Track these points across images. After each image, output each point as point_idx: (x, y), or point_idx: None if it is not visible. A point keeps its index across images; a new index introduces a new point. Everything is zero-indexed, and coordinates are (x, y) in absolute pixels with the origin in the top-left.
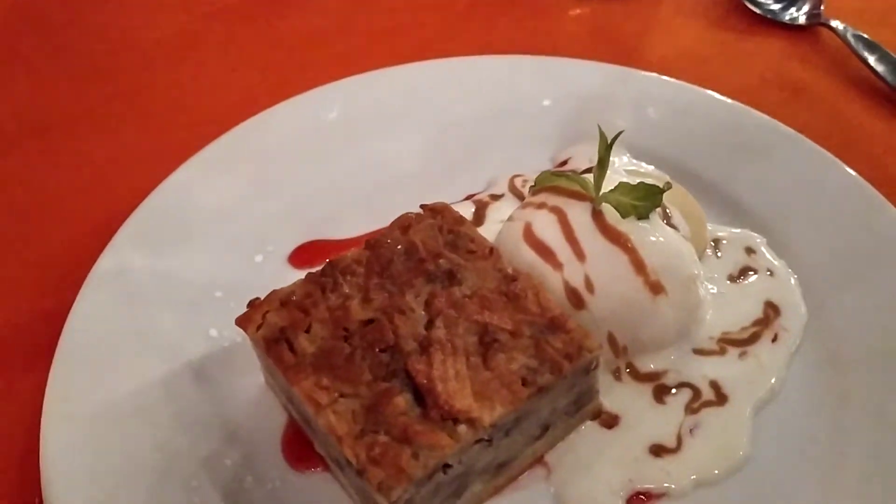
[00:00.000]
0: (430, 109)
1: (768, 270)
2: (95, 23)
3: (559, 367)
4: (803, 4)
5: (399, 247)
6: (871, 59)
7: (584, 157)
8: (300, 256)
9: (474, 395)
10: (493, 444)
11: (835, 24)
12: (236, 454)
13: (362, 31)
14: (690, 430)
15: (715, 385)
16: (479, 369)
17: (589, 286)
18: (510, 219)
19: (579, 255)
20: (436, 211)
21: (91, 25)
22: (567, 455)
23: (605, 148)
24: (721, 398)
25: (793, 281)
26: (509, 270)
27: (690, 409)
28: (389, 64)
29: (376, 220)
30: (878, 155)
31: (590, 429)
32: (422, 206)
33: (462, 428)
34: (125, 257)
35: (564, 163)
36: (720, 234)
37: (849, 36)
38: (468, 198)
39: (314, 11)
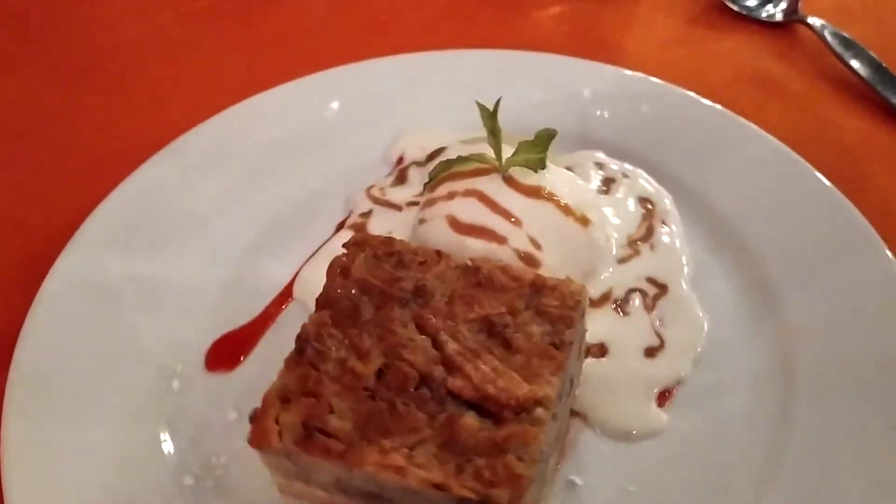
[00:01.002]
0: (408, 104)
1: (623, 174)
2: (75, 21)
3: (569, 319)
4: (780, 2)
5: (353, 291)
6: (848, 56)
7: (417, 146)
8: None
9: (524, 379)
10: (557, 414)
11: (812, 20)
12: (199, 455)
13: (343, 28)
14: (660, 323)
15: (651, 280)
16: (508, 357)
17: (536, 245)
18: (421, 222)
19: (515, 222)
20: (361, 244)
21: (71, 24)
22: (589, 397)
23: (491, 117)
24: (662, 288)
25: (643, 174)
26: (468, 263)
27: (648, 307)
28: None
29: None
30: (852, 150)
31: (590, 366)
32: (344, 246)
33: (538, 411)
34: (90, 250)
35: (401, 159)
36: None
37: (825, 33)
38: (339, 229)
39: (295, 9)
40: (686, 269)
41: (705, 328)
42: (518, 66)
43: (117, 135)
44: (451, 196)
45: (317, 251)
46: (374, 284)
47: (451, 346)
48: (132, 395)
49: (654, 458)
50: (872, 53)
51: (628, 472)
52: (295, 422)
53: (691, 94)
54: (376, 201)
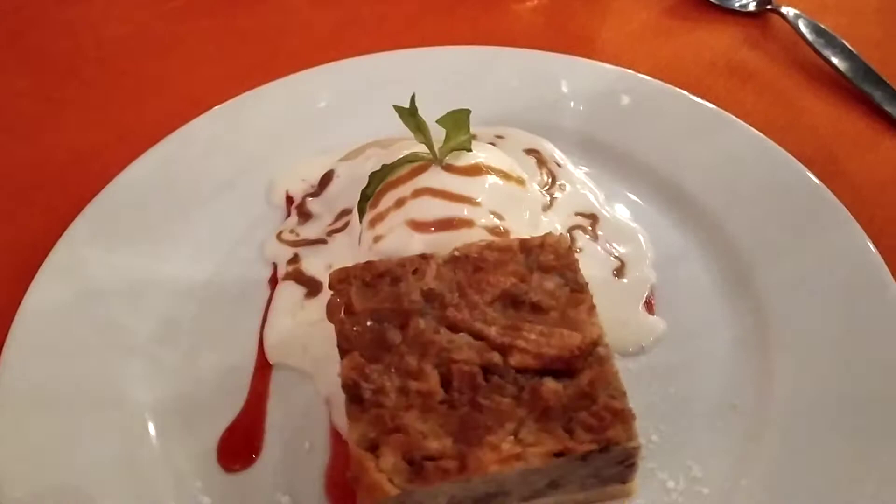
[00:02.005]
0: (389, 101)
1: (497, 136)
2: (58, 20)
3: (572, 264)
4: None
5: (368, 323)
6: (821, 46)
7: (297, 180)
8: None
9: (571, 329)
10: None
11: (785, 10)
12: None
13: (323, 24)
14: (609, 247)
15: (580, 214)
16: (544, 318)
17: (499, 216)
18: (378, 239)
19: (473, 202)
20: (344, 279)
21: (54, 22)
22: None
23: (412, 115)
24: (592, 217)
25: (516, 130)
26: (455, 254)
27: (594, 237)
28: (351, 56)
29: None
30: (824, 136)
31: None
32: (330, 287)
33: (599, 350)
34: (78, 250)
35: (290, 198)
36: None
37: (799, 22)
38: (273, 284)
39: (275, 6)
40: (597, 194)
41: (641, 238)
42: (494, 62)
43: (101, 133)
44: (400, 203)
45: (266, 312)
46: (385, 308)
47: (492, 331)
48: (121, 391)
49: (663, 361)
50: (845, 42)
51: (650, 384)
52: (396, 462)
53: (665, 84)
54: (295, 244)
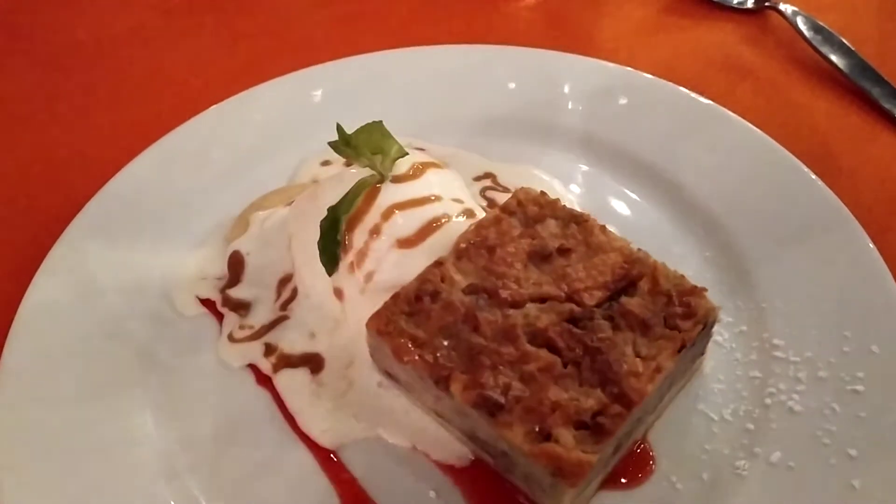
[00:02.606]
0: (389, 99)
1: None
2: (58, 17)
3: (555, 204)
4: None
5: (437, 354)
6: (819, 43)
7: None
8: None
9: (604, 252)
10: None
11: (783, 7)
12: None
13: (321, 22)
14: None
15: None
16: (575, 255)
17: (458, 200)
18: (370, 277)
19: (436, 199)
20: (387, 322)
21: (54, 20)
22: None
23: (346, 143)
24: (491, 176)
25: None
26: (461, 246)
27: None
28: (350, 54)
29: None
30: (822, 133)
31: None
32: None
33: (639, 253)
34: (79, 246)
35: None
36: None
37: (797, 19)
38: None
39: (273, 4)
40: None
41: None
42: (491, 60)
43: (100, 130)
44: (375, 231)
45: (284, 409)
46: (447, 322)
47: (549, 289)
48: (122, 385)
49: None
50: (843, 39)
51: None
52: (574, 434)
53: (664, 81)
54: (256, 336)
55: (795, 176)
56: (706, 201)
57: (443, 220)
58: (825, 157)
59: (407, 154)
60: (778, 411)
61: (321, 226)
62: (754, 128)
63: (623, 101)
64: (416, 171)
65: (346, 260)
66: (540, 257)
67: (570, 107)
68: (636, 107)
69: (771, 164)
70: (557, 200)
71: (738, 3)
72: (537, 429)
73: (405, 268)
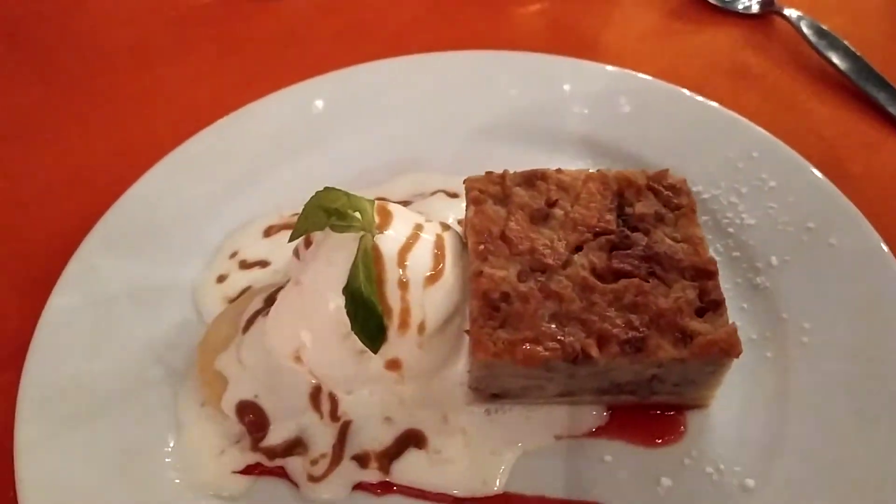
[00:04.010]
0: (396, 107)
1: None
2: (64, 29)
3: (551, 176)
4: None
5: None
6: (824, 47)
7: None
8: None
9: None
10: None
11: (788, 12)
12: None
13: (326, 30)
14: None
15: None
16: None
17: (445, 219)
18: (424, 328)
19: (420, 225)
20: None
21: (59, 32)
22: None
23: (326, 213)
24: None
25: None
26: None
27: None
28: (354, 62)
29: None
30: (829, 139)
31: None
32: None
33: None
34: (95, 259)
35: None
36: None
37: (802, 24)
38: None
39: (279, 13)
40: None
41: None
42: (498, 66)
43: (107, 142)
44: (403, 285)
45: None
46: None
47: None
48: (141, 397)
49: None
50: (848, 44)
51: None
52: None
53: (673, 86)
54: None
55: (809, 182)
56: (718, 207)
57: (442, 241)
58: (832, 163)
59: (363, 204)
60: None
61: (350, 311)
62: (765, 132)
63: (630, 106)
64: (384, 212)
65: (392, 326)
66: (541, 219)
67: (575, 112)
68: (644, 112)
69: (783, 169)
70: (505, 171)
71: (743, 8)
72: (678, 335)
73: (446, 299)
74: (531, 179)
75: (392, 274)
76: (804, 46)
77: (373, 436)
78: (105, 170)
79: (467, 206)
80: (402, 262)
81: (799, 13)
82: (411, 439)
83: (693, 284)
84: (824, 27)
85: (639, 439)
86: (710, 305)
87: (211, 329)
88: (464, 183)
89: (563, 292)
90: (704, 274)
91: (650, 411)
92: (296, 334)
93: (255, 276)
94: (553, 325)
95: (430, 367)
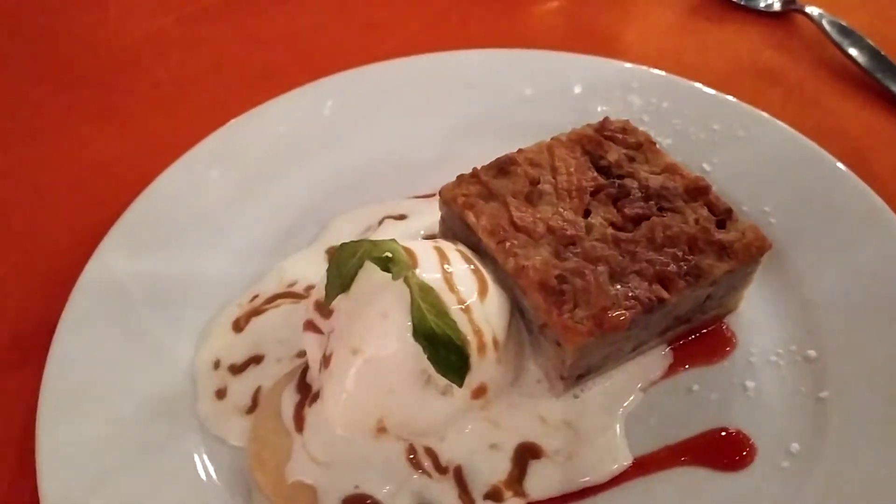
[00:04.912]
0: (412, 105)
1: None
2: (77, 28)
3: (517, 158)
4: None
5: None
6: (846, 45)
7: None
8: None
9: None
10: None
11: (810, 10)
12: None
13: (340, 29)
14: None
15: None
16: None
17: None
18: (498, 344)
19: (440, 248)
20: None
21: (73, 30)
22: None
23: (383, 263)
24: None
25: None
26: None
27: None
28: (369, 61)
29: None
30: (853, 138)
31: None
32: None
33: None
34: (113, 261)
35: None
36: None
37: (824, 22)
38: None
39: (291, 11)
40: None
41: None
42: (516, 64)
43: (122, 139)
44: (465, 308)
45: None
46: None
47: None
48: (161, 395)
49: None
50: (870, 42)
51: None
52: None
53: (696, 84)
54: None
55: (839, 181)
56: (747, 207)
57: (466, 253)
58: (858, 162)
59: (392, 246)
60: None
61: (431, 353)
62: (791, 129)
63: (653, 104)
64: (405, 248)
65: (472, 352)
66: (536, 199)
67: (595, 111)
68: (668, 110)
69: (815, 169)
70: (475, 169)
71: (765, 6)
72: (718, 250)
73: (502, 307)
74: (503, 167)
75: (450, 302)
76: (827, 44)
77: (490, 468)
78: (123, 167)
79: (442, 220)
80: (451, 286)
81: (821, 11)
82: (527, 453)
83: (698, 203)
84: (846, 24)
85: (707, 359)
86: (724, 214)
87: (255, 449)
88: (439, 193)
89: (604, 255)
90: (700, 191)
91: (698, 333)
92: (373, 403)
93: (257, 375)
94: (618, 286)
95: (509, 378)
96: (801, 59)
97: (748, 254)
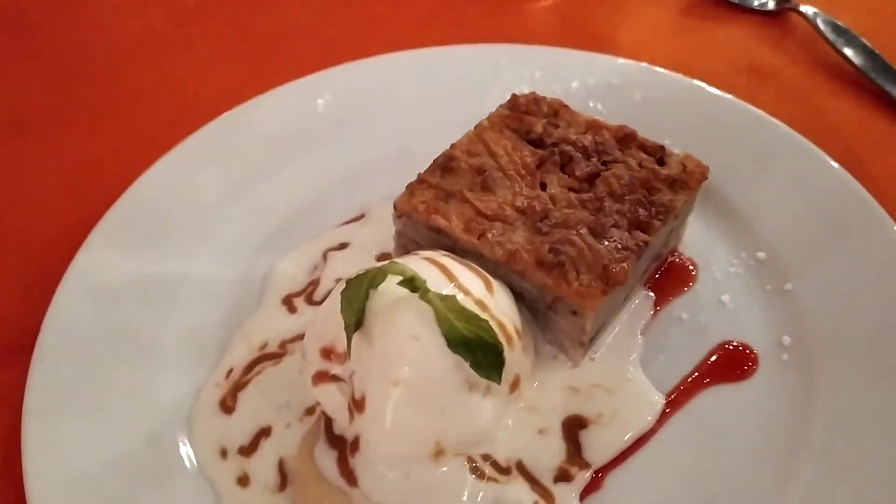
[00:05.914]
0: (407, 100)
1: None
2: (69, 22)
3: (455, 152)
4: None
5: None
6: (840, 44)
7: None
8: None
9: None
10: None
11: (804, 9)
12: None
13: (335, 24)
14: None
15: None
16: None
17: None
18: (526, 348)
19: (444, 258)
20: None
21: (65, 25)
22: None
23: (413, 287)
24: None
25: None
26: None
27: None
28: (364, 56)
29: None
30: (847, 137)
31: None
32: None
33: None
34: (99, 258)
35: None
36: None
37: (818, 21)
38: None
39: (286, 7)
40: None
41: None
42: (511, 59)
43: (113, 134)
44: (503, 327)
45: None
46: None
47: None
48: (147, 391)
49: None
50: (865, 41)
51: None
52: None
53: (694, 81)
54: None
55: (833, 179)
56: (741, 206)
57: (453, 256)
58: (851, 161)
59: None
60: None
61: (472, 359)
62: (788, 128)
63: (647, 100)
64: (415, 266)
65: (504, 345)
66: (489, 187)
67: (590, 107)
68: (662, 106)
69: (807, 166)
70: (420, 175)
71: (759, 5)
72: (671, 184)
73: (509, 296)
74: (446, 166)
75: (469, 305)
76: (821, 43)
77: (548, 453)
78: (111, 162)
79: (398, 235)
80: (465, 290)
81: (815, 10)
82: (574, 426)
83: (632, 149)
84: (840, 23)
85: (681, 287)
86: (660, 152)
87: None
88: (394, 206)
89: (579, 218)
90: (629, 137)
91: (663, 268)
92: (426, 428)
93: (272, 447)
94: (606, 242)
95: (531, 362)
96: (795, 57)
97: (695, 180)
